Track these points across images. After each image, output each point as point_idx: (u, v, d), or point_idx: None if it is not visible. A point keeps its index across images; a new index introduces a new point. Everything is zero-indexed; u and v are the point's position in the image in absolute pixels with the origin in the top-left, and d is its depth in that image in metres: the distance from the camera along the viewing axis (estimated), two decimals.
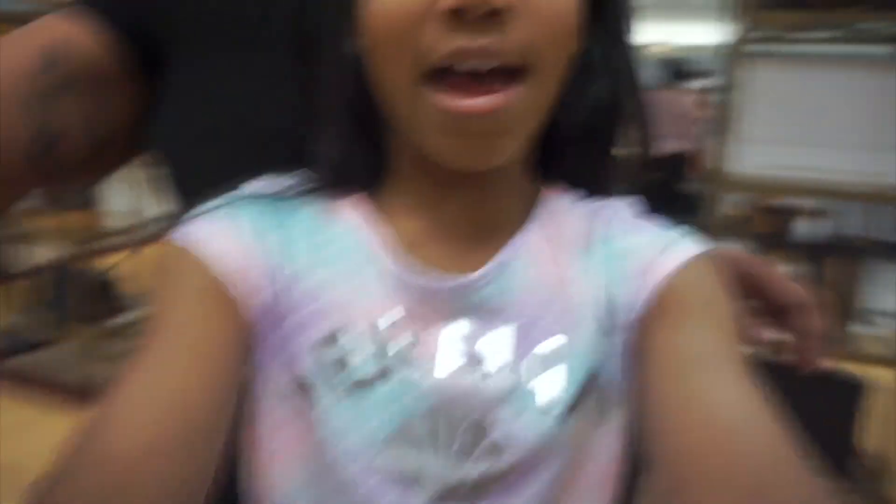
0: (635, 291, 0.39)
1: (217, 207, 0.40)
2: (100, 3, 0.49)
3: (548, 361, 0.38)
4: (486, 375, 0.38)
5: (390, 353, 0.38)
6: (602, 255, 0.40)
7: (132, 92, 0.50)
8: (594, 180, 0.45)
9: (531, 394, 0.37)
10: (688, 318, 0.36)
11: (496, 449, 0.37)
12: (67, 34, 0.47)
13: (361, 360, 0.38)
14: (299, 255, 0.39)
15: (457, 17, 0.31)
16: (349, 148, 0.41)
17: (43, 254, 2.91)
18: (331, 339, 0.38)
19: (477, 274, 0.39)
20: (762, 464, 0.30)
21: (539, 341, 0.38)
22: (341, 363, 0.38)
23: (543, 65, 0.34)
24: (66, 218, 2.37)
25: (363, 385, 0.38)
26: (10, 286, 2.93)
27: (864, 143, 1.63)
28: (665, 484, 0.32)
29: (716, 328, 0.36)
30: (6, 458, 2.17)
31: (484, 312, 0.39)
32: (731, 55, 1.71)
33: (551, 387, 0.38)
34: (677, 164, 3.52)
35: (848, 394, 1.46)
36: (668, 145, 4.53)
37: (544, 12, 0.33)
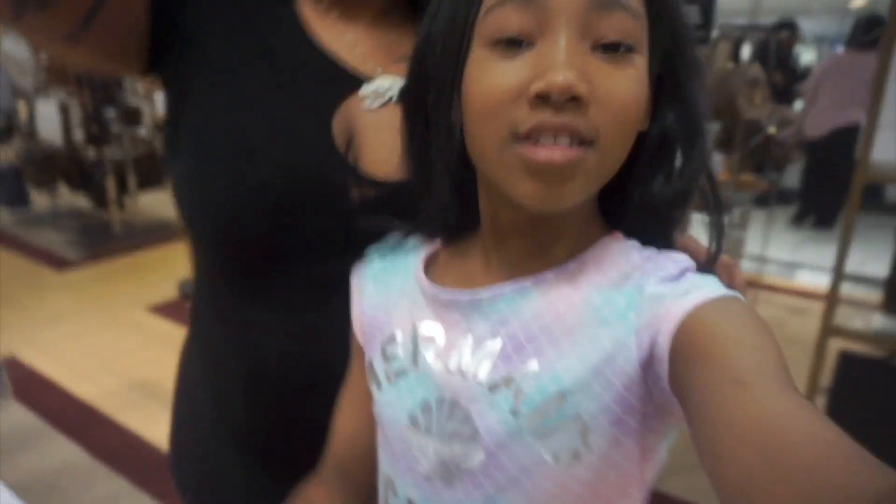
0: (653, 336, 0.40)
1: (367, 256, 0.58)
2: None
3: (521, 378, 0.44)
4: (475, 376, 0.46)
5: (420, 351, 0.50)
6: (628, 300, 0.43)
7: (139, 40, 0.59)
8: (660, 237, 0.48)
9: (507, 398, 0.44)
10: (716, 349, 0.36)
11: (475, 435, 0.45)
12: None
13: (402, 355, 0.51)
14: (378, 289, 0.56)
15: (543, 100, 0.39)
16: (449, 202, 0.50)
17: None
18: (390, 339, 0.52)
19: (488, 291, 0.47)
20: (815, 463, 0.28)
21: (521, 360, 0.44)
22: (392, 356, 0.52)
23: (609, 140, 0.41)
24: None
25: (401, 374, 0.51)
26: None
27: None
28: None
29: (749, 353, 0.35)
30: None
31: (492, 323, 0.46)
32: None
33: (519, 397, 0.43)
34: (849, 140, 3.12)
35: None
36: (849, 116, 3.98)
37: (613, 102, 0.40)
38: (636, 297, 0.43)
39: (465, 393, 0.46)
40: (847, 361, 1.75)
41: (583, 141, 0.40)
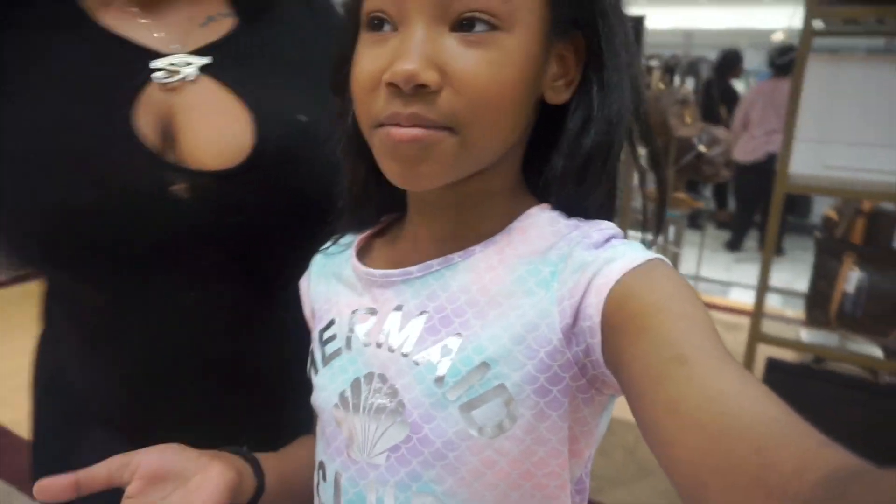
0: (575, 304, 0.40)
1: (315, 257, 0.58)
2: None
3: (446, 350, 0.44)
4: (402, 350, 0.46)
5: (354, 332, 0.49)
6: (552, 269, 0.42)
7: None
8: (588, 207, 0.47)
9: (430, 369, 0.44)
10: (649, 320, 0.36)
11: (400, 408, 0.44)
12: None
13: (338, 338, 0.51)
14: (320, 283, 0.56)
15: (395, 88, 0.39)
16: (363, 185, 0.50)
17: None
18: (330, 324, 0.52)
19: (416, 266, 0.47)
20: (763, 444, 0.28)
21: (448, 333, 0.44)
22: (328, 340, 0.52)
23: (469, 123, 0.40)
24: None
25: (335, 355, 0.50)
26: None
27: None
28: (684, 492, 0.31)
29: (683, 323, 0.35)
30: None
31: (421, 299, 0.47)
32: (800, 46, 1.63)
33: (444, 368, 0.43)
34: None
35: None
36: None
37: (468, 85, 0.39)
38: (560, 265, 0.42)
39: (393, 367, 0.46)
40: (773, 367, 1.81)
41: (440, 126, 0.40)
